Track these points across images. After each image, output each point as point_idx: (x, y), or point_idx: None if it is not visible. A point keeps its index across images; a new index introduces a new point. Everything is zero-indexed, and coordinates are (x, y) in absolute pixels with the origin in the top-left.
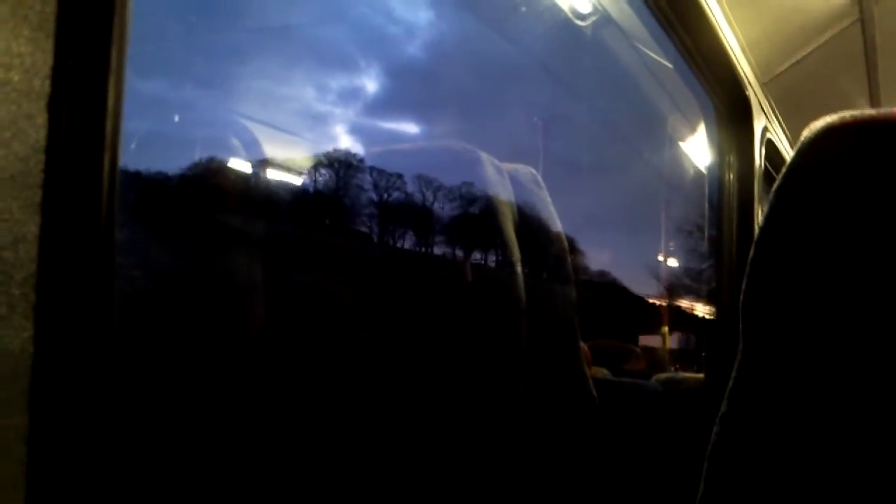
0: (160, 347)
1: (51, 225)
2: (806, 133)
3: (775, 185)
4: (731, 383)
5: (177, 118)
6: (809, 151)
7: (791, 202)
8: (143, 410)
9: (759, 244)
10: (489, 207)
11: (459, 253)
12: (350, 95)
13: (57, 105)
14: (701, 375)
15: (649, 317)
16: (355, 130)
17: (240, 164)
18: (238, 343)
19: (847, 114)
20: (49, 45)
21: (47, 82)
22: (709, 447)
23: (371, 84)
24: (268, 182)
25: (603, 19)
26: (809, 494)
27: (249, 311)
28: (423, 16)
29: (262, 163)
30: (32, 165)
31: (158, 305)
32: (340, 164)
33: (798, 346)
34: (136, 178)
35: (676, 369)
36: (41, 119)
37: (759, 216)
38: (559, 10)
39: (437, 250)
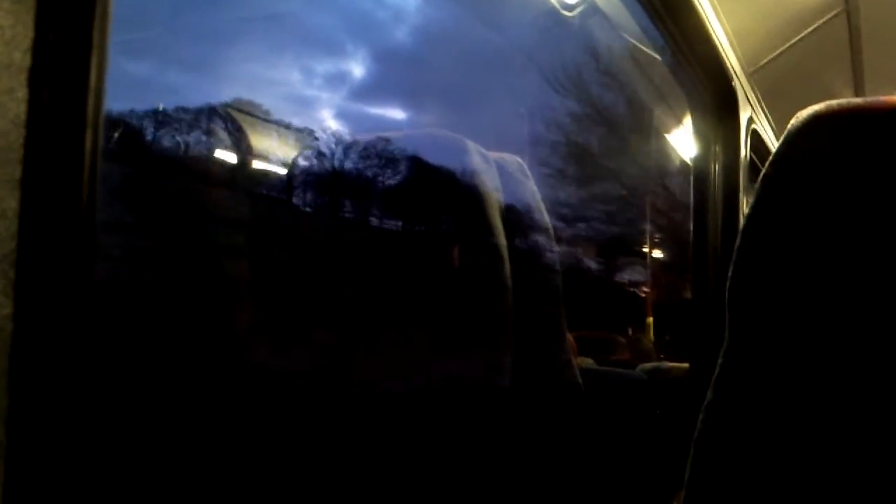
0: (141, 329)
1: (31, 201)
2: (793, 122)
3: (762, 174)
4: (716, 371)
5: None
6: (796, 140)
7: (777, 190)
8: (126, 391)
9: (745, 233)
10: (475, 196)
11: (447, 240)
12: (337, 80)
13: (38, 79)
14: (686, 365)
15: None
16: (342, 116)
17: (225, 152)
18: (223, 328)
19: (834, 102)
20: (30, 18)
21: (28, 55)
22: (694, 434)
23: (358, 69)
24: (254, 169)
25: (590, 9)
26: (794, 480)
27: (234, 294)
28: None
29: (248, 150)
30: (12, 140)
31: (140, 287)
32: (328, 151)
33: (783, 334)
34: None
35: (662, 358)
36: (21, 93)
37: (745, 206)
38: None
39: (424, 237)
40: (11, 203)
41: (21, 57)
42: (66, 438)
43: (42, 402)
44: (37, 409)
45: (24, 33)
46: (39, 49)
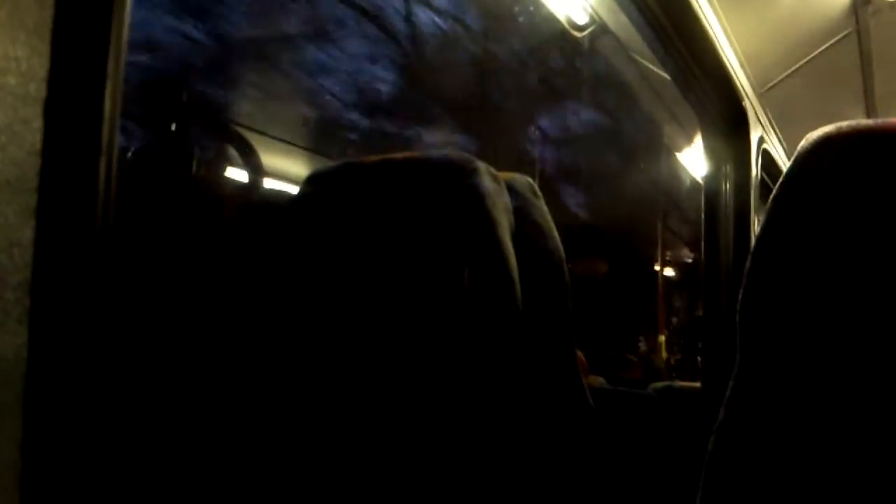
0: (155, 355)
1: (46, 230)
2: (803, 143)
3: (773, 195)
4: (728, 393)
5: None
6: (807, 161)
7: (788, 211)
8: (139, 418)
9: (756, 253)
10: (486, 217)
11: (457, 261)
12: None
13: (53, 109)
14: (698, 384)
15: None
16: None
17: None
18: (233, 346)
19: (844, 124)
20: (46, 49)
21: (44, 86)
22: (706, 456)
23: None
24: (264, 191)
25: (600, 30)
26: (806, 502)
27: (243, 319)
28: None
29: (258, 171)
30: (28, 170)
31: (152, 313)
32: (338, 174)
33: (795, 355)
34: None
35: (673, 378)
36: (37, 123)
37: (756, 226)
38: (556, 21)
39: (436, 259)
40: (27, 232)
41: (36, 88)
42: (79, 463)
43: (55, 428)
44: (50, 435)
45: (39, 64)
46: (55, 79)
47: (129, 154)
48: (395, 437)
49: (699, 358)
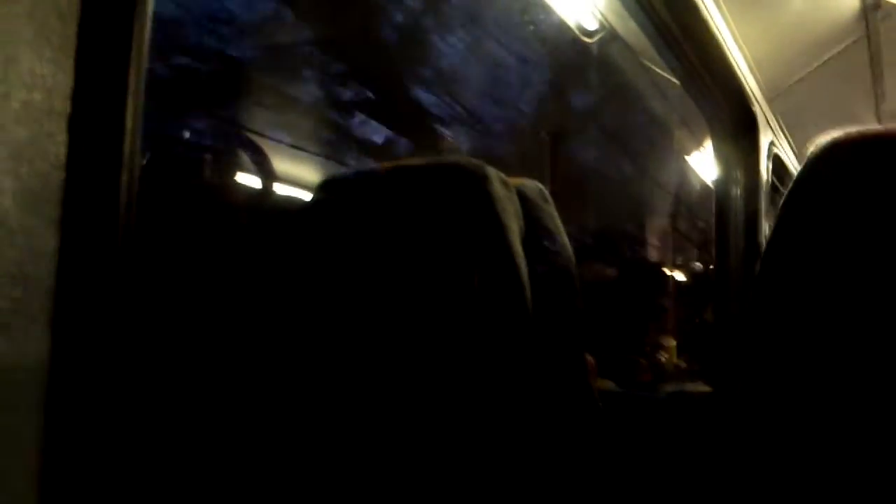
0: (177, 363)
1: (69, 240)
2: (813, 149)
3: (783, 200)
4: (739, 396)
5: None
6: (816, 167)
7: (799, 216)
8: (160, 423)
9: (767, 257)
10: (496, 222)
11: (468, 266)
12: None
13: (77, 124)
14: (708, 388)
15: None
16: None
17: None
18: (247, 351)
19: (853, 130)
20: (70, 66)
21: (68, 102)
22: (717, 460)
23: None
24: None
25: (609, 36)
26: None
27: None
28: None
29: (271, 177)
30: (52, 182)
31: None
32: (351, 181)
33: (806, 358)
34: None
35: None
36: (61, 137)
37: (766, 230)
38: (566, 27)
39: (446, 263)
40: (51, 242)
41: (61, 103)
42: (98, 466)
43: (76, 432)
44: (71, 439)
45: (64, 81)
46: (79, 95)
47: (143, 160)
48: (404, 440)
49: (708, 362)
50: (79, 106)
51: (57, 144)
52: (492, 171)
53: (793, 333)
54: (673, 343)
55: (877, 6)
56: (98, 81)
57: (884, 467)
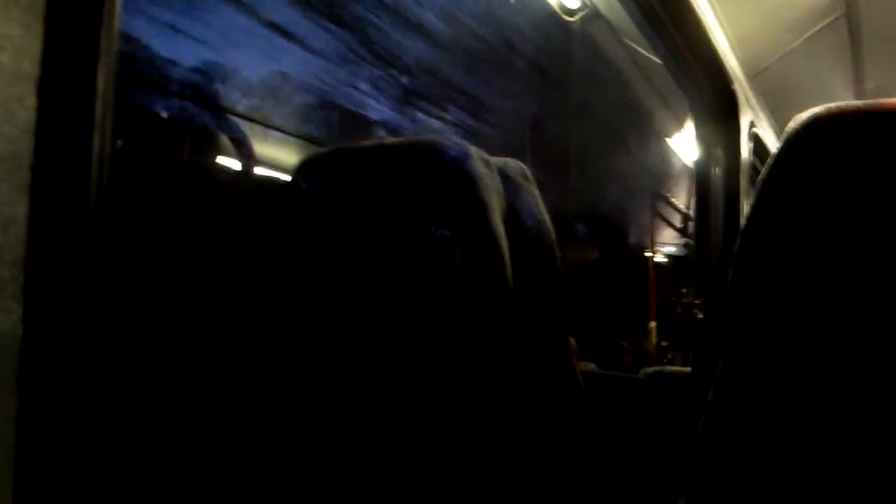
0: (147, 330)
1: (40, 207)
2: (791, 125)
3: (761, 176)
4: (717, 372)
5: None
6: (796, 142)
7: (777, 193)
8: (131, 392)
9: (746, 235)
10: (477, 201)
11: (449, 244)
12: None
13: (47, 87)
14: (688, 369)
15: None
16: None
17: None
18: (228, 327)
19: (833, 105)
20: (39, 27)
21: (37, 64)
22: (696, 436)
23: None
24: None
25: (591, 15)
26: (795, 481)
27: (239, 296)
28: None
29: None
30: (22, 147)
31: (145, 289)
32: (331, 160)
33: (783, 335)
34: None
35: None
36: (31, 101)
37: (746, 209)
38: (547, 4)
39: (427, 242)
40: (21, 208)
41: (30, 66)
42: (73, 438)
43: (50, 404)
44: (45, 410)
45: (33, 42)
46: (49, 57)
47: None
48: (385, 421)
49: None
50: (49, 68)
51: (26, 108)
52: (473, 150)
53: (771, 310)
54: (653, 325)
55: None
56: (68, 43)
57: (860, 441)
